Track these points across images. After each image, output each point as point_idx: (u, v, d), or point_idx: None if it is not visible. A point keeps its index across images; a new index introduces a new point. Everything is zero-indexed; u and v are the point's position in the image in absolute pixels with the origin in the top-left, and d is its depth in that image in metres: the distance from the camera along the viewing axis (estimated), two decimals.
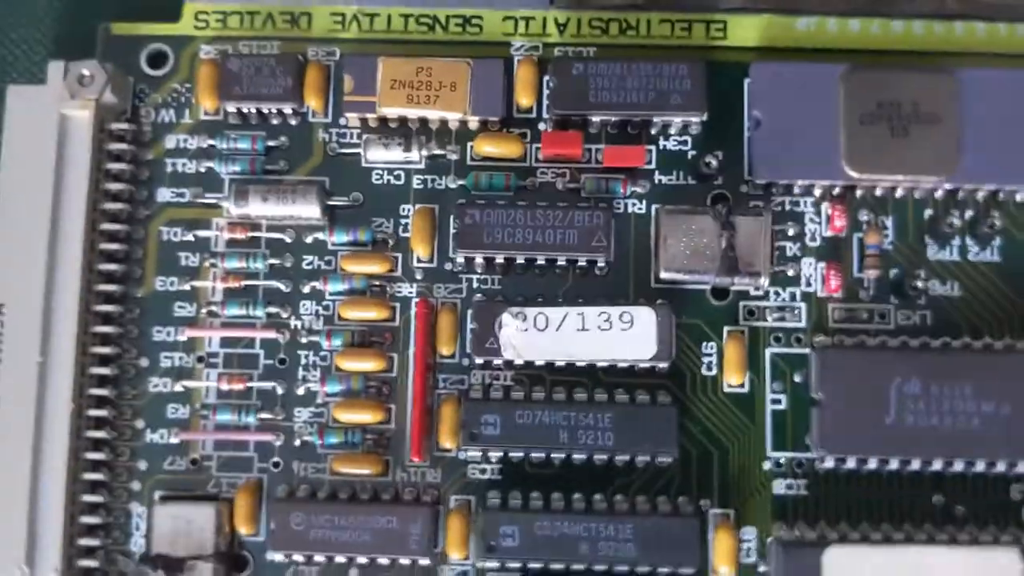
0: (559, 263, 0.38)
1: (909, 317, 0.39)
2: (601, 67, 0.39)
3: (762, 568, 0.38)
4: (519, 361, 0.38)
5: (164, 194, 0.40)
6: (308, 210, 0.39)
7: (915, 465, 0.37)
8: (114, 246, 0.39)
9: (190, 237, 0.39)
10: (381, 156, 0.39)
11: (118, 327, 0.39)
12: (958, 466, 0.37)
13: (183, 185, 0.40)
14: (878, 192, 0.39)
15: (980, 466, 0.37)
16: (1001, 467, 0.37)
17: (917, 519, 0.38)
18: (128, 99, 0.40)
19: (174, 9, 0.41)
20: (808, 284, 0.39)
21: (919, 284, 0.39)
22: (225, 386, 0.39)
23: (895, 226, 0.39)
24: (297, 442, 0.38)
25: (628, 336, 0.37)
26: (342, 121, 0.40)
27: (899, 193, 0.39)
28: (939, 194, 0.39)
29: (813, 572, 0.36)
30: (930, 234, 0.39)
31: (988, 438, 0.36)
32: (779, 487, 0.38)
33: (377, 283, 0.39)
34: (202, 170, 0.40)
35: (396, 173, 0.40)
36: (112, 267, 0.38)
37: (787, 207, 0.39)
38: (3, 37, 0.44)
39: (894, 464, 0.37)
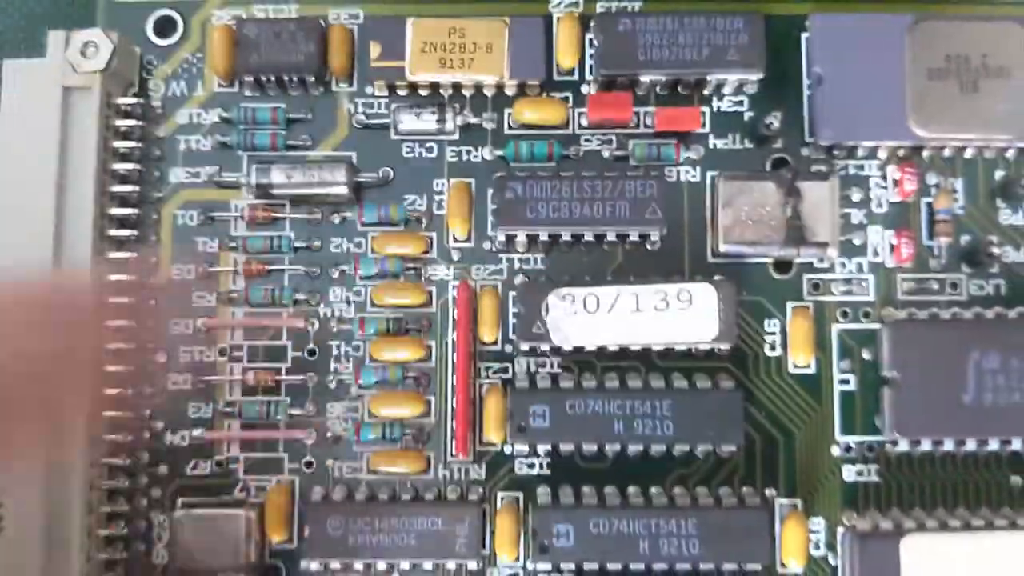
0: (608, 239, 0.35)
1: (982, 287, 0.36)
2: (649, 22, 0.36)
3: (832, 561, 0.35)
4: (567, 347, 0.35)
5: (177, 174, 0.36)
6: (335, 188, 0.36)
7: (993, 445, 0.35)
8: (125, 232, 0.35)
9: (207, 221, 0.36)
10: (412, 125, 0.36)
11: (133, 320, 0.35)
12: None
13: (198, 164, 0.36)
14: (946, 153, 0.36)
15: None
16: None
17: (994, 502, 0.35)
18: (135, 71, 0.37)
19: None
20: (875, 254, 0.36)
21: (993, 251, 0.36)
22: (251, 381, 0.36)
23: (965, 189, 0.36)
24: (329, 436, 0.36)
25: (687, 316, 0.35)
26: (369, 90, 0.37)
27: (968, 154, 0.36)
28: (1011, 153, 0.36)
29: (891, 563, 0.34)
30: (1002, 197, 0.37)
31: None
32: (849, 473, 0.36)
33: (412, 266, 0.36)
34: (218, 147, 0.36)
35: (428, 145, 0.36)
36: (123, 255, 0.35)
37: (851, 171, 0.36)
38: None
39: (971, 445, 0.35)
